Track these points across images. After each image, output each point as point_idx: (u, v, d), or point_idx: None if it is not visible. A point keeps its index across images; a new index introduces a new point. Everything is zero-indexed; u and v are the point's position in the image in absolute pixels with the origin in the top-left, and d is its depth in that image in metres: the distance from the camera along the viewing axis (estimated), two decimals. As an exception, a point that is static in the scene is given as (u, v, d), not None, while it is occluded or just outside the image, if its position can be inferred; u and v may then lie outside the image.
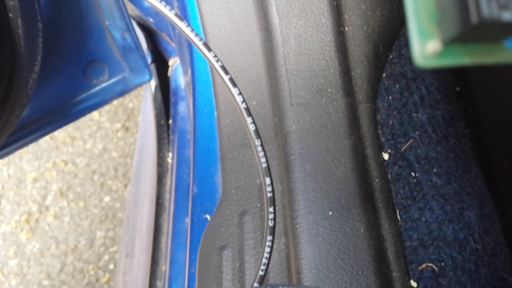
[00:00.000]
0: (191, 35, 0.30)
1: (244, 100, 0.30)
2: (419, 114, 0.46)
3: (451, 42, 0.19)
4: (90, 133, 1.74)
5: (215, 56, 0.30)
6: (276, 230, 0.43)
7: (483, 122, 0.58)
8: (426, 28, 0.19)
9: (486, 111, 0.59)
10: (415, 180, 0.43)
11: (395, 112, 0.46)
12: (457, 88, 0.55)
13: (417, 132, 0.45)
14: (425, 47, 0.19)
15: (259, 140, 0.30)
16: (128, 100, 1.78)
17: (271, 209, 0.31)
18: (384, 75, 0.49)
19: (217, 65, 0.30)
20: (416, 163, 0.43)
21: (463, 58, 0.19)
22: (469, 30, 0.18)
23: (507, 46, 0.19)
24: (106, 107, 1.77)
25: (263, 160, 0.30)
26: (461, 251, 0.39)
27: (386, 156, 0.45)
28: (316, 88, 0.46)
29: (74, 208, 1.59)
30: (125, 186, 1.62)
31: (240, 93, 0.30)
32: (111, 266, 1.47)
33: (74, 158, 1.69)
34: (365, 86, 0.47)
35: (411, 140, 0.45)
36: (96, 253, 1.50)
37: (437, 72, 0.51)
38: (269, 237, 0.31)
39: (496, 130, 0.58)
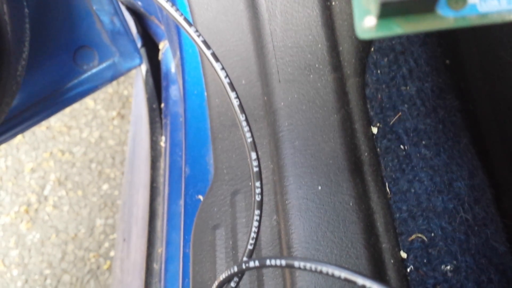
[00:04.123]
0: (171, 11, 0.29)
1: (227, 75, 0.30)
2: (408, 87, 0.46)
3: (383, 16, 0.22)
4: (86, 122, 1.73)
5: (197, 31, 0.30)
6: (267, 207, 0.43)
7: (474, 95, 0.57)
8: (364, 6, 0.22)
9: (477, 83, 0.58)
10: (404, 152, 0.43)
11: (383, 85, 0.46)
12: (447, 61, 0.55)
13: (405, 105, 0.45)
14: (363, 22, 0.22)
15: (243, 115, 0.30)
16: (123, 88, 1.77)
17: (257, 184, 0.31)
18: (372, 49, 0.48)
19: (198, 40, 0.30)
20: (405, 135, 0.43)
21: (397, 28, 0.22)
22: (382, 7, 0.21)
23: (440, 12, 0.21)
24: (101, 95, 1.76)
25: (248, 135, 0.30)
26: (450, 221, 0.39)
27: (375, 130, 0.45)
28: (304, 64, 0.46)
29: (73, 197, 1.59)
30: (123, 173, 1.61)
31: (223, 68, 0.30)
32: (112, 253, 1.48)
33: (71, 147, 1.69)
34: (353, 60, 0.47)
35: (400, 113, 0.44)
36: (96, 240, 1.51)
37: (425, 45, 0.50)
38: (257, 211, 0.31)
39: (487, 102, 0.58)
